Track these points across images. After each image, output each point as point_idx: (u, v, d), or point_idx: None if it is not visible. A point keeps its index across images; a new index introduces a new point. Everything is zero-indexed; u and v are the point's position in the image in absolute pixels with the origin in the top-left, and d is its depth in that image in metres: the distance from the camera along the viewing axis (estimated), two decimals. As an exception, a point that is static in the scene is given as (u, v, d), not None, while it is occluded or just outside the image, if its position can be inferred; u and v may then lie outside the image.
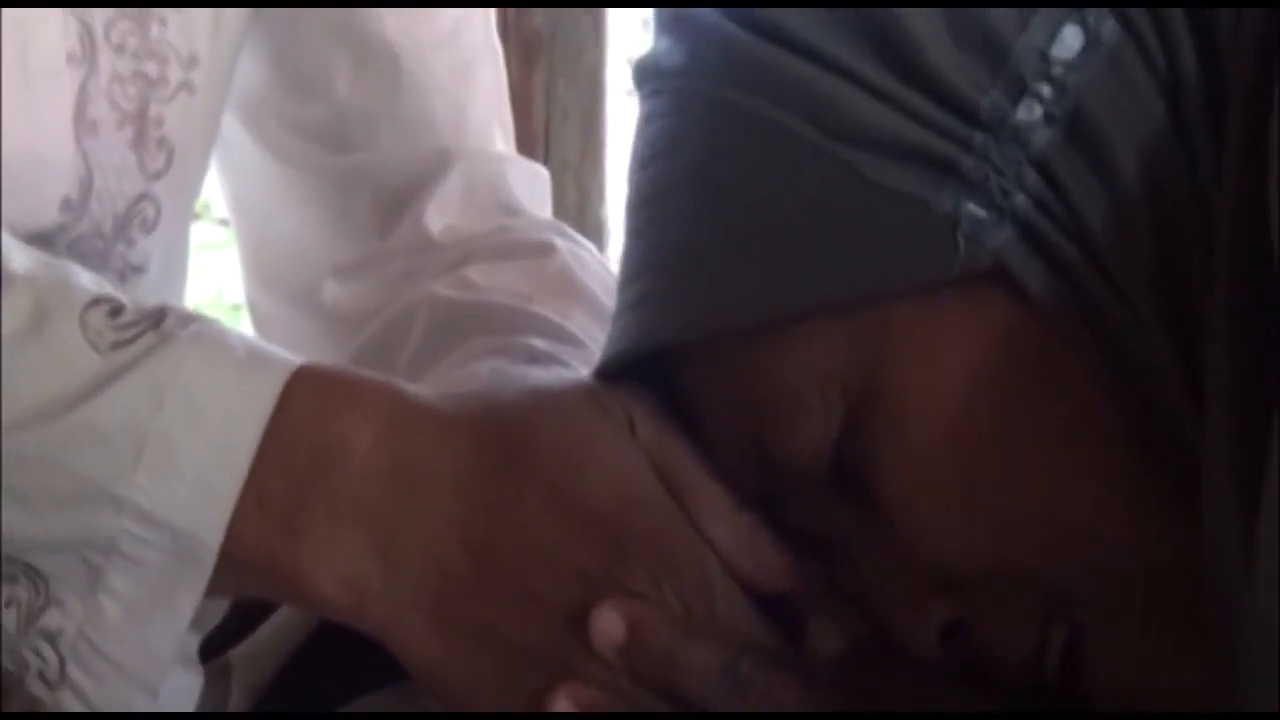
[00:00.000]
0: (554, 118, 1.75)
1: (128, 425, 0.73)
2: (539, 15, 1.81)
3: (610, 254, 1.74)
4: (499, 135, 1.12)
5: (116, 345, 0.75)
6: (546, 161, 1.81)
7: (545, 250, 1.04)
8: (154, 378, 0.74)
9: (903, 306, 0.62)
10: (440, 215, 1.07)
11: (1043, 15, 0.61)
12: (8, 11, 1.01)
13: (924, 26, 0.61)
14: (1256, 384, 0.55)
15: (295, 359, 0.76)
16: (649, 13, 0.76)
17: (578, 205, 1.71)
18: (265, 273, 1.16)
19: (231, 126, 1.13)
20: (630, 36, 2.18)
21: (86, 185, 1.03)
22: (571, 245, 1.05)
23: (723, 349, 0.66)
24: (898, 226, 0.61)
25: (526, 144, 1.79)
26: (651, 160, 0.68)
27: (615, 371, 0.71)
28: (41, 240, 0.99)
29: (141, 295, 1.03)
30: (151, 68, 1.05)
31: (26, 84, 1.00)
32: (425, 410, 0.75)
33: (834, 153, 0.62)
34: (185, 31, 1.05)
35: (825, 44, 0.62)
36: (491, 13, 1.17)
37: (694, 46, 0.67)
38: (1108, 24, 0.61)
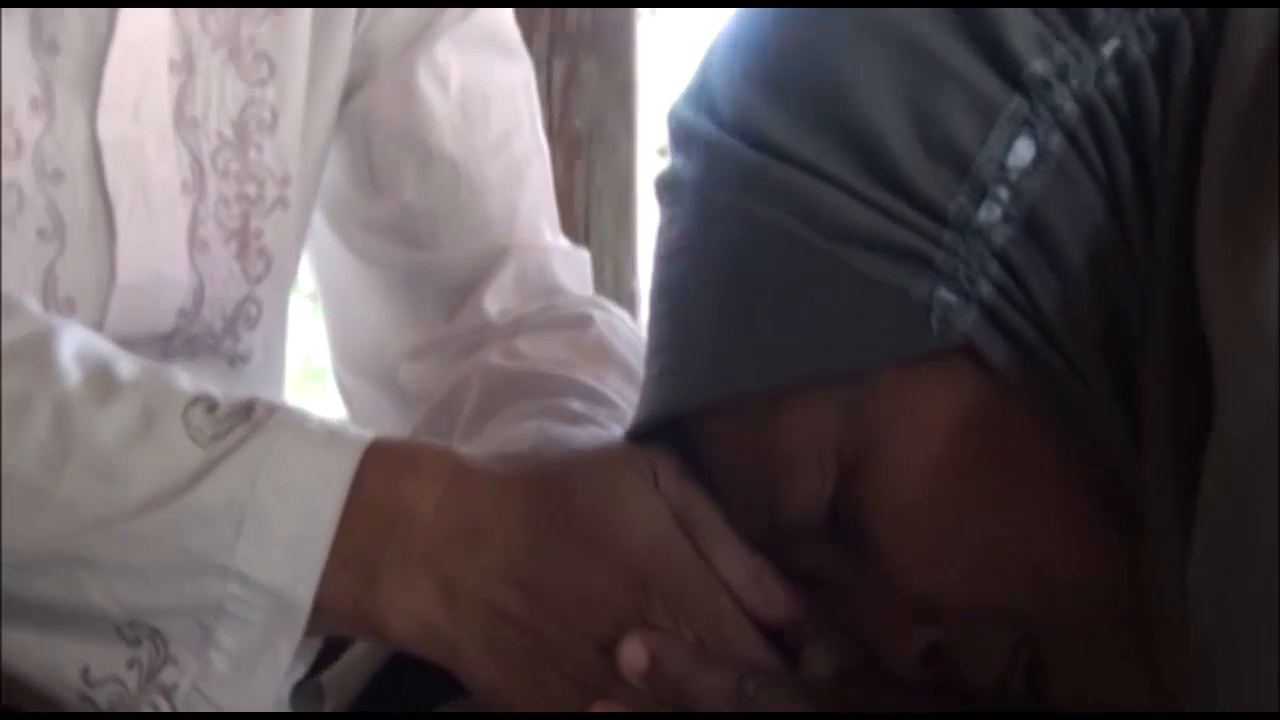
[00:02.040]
0: (592, 203, 1.75)
1: (228, 505, 0.73)
2: (578, 118, 1.81)
3: (641, 319, 1.74)
4: (546, 228, 1.11)
5: (215, 437, 0.74)
6: (586, 240, 1.82)
7: (584, 322, 1.02)
8: (247, 462, 0.73)
9: (887, 379, 0.62)
10: (497, 300, 1.06)
11: (999, 129, 0.60)
12: (130, 147, 0.99)
13: (900, 140, 0.61)
14: (1187, 437, 0.55)
15: (367, 435, 0.75)
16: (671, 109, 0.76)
17: (613, 278, 1.70)
18: (349, 355, 1.15)
19: (318, 224, 1.12)
20: (656, 135, 2.18)
21: (199, 295, 1.02)
22: (607, 316, 1.04)
23: (734, 415, 0.66)
24: (881, 311, 0.61)
25: (569, 226, 1.79)
26: (671, 257, 0.68)
27: (643, 433, 0.71)
28: (160, 340, 1.00)
29: (247, 379, 1.06)
30: (251, 189, 1.04)
31: (148, 213, 0.99)
32: (480, 472, 0.75)
33: (827, 249, 0.61)
34: (279, 154, 1.04)
35: (817, 157, 0.62)
36: (539, 115, 1.14)
37: (704, 162, 0.66)
38: (1055, 137, 0.60)
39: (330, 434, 0.75)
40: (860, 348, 0.61)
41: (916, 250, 0.60)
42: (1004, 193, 0.60)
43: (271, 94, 1.04)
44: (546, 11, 1.83)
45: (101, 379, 0.77)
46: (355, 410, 1.14)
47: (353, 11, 1.07)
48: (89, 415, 0.75)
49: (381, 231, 1.11)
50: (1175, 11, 0.61)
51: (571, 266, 1.10)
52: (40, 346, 0.77)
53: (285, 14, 1.04)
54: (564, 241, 1.12)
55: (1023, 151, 0.60)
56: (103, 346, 0.79)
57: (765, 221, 0.63)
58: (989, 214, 0.60)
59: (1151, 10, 0.61)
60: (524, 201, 1.09)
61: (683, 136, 0.68)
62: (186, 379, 0.78)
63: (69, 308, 0.97)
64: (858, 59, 0.62)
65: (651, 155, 1.95)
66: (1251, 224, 0.54)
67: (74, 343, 0.78)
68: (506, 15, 1.13)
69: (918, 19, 0.62)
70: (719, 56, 0.68)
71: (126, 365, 0.78)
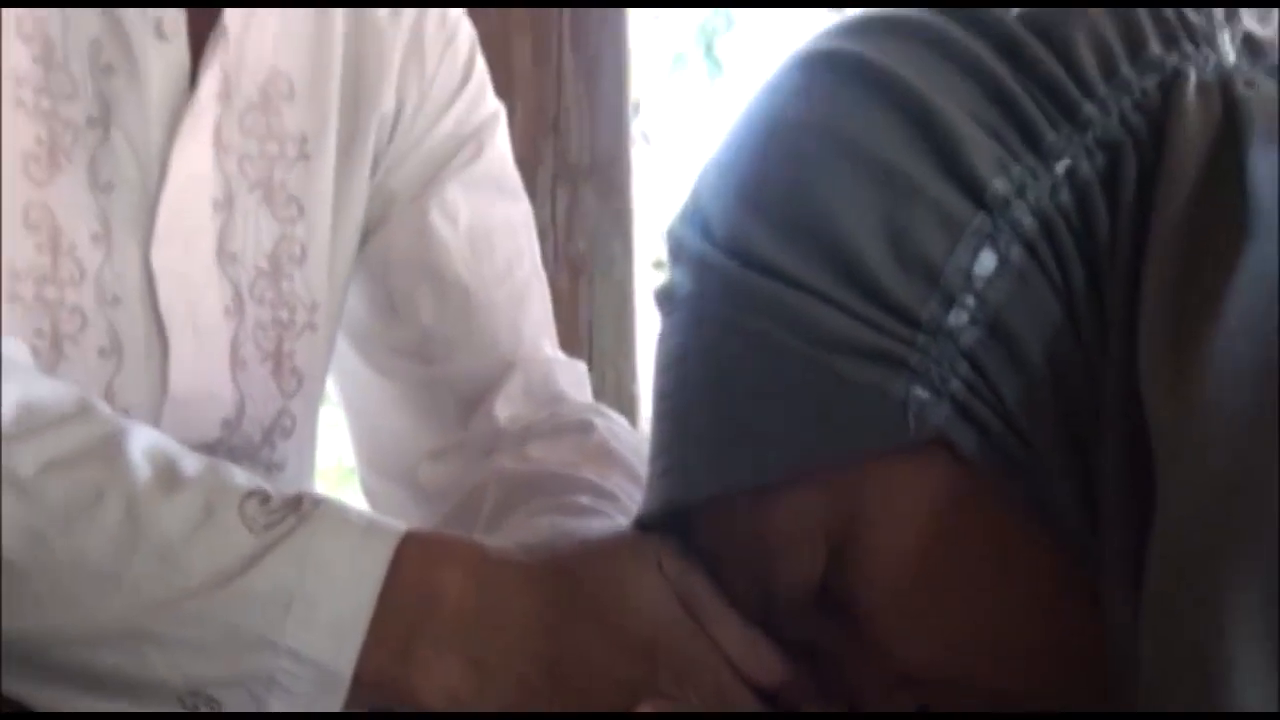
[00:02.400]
0: (595, 318, 1.75)
1: (278, 588, 0.74)
2: (581, 242, 1.82)
3: (641, 422, 1.74)
4: (547, 343, 1.11)
5: (267, 527, 0.76)
6: (589, 351, 1.82)
7: (587, 428, 1.03)
8: (296, 550, 0.75)
9: (870, 470, 0.62)
10: (506, 408, 1.06)
11: (965, 243, 0.61)
12: (179, 277, 1.01)
13: (876, 254, 0.61)
14: (1139, 517, 0.55)
15: (402, 527, 0.76)
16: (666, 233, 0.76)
17: (614, 385, 1.70)
18: (373, 459, 1.15)
19: (343, 346, 1.13)
20: (651, 254, 2.19)
21: (240, 408, 1.03)
22: (608, 422, 1.04)
23: (730, 507, 0.66)
24: (863, 409, 0.61)
25: (574, 338, 1.80)
26: (670, 365, 0.68)
27: (648, 525, 0.71)
28: (205, 449, 1.00)
29: (280, 487, 1.05)
30: (284, 314, 1.05)
31: (196, 335, 1.01)
32: (503, 561, 0.76)
33: (812, 355, 0.61)
34: (308, 284, 1.06)
35: (801, 272, 0.62)
36: (537, 248, 1.16)
37: (698, 277, 0.66)
38: (1015, 248, 0.60)
39: (369, 525, 0.76)
40: (844, 443, 0.61)
41: (893, 353, 0.60)
42: (970, 300, 0.60)
43: (301, 231, 1.05)
44: (551, 146, 1.84)
45: (168, 474, 0.78)
46: (379, 508, 1.13)
47: (369, 161, 1.08)
48: (156, 507, 0.76)
49: (400, 352, 1.11)
50: (1120, 131, 0.61)
51: (571, 376, 1.10)
52: (114, 445, 0.78)
53: (312, 161, 1.05)
54: (562, 355, 1.12)
55: (987, 262, 0.60)
56: (169, 445, 0.81)
57: (754, 331, 0.63)
58: (957, 319, 0.60)
59: (1099, 130, 0.61)
60: (527, 322, 1.10)
61: (679, 253, 0.68)
62: (243, 475, 0.79)
63: (125, 417, 0.95)
64: (835, 181, 0.63)
65: (647, 272, 1.96)
66: (1189, 325, 0.54)
67: (144, 441, 0.79)
68: (508, 159, 1.15)
69: (890, 144, 0.62)
70: (710, 180, 0.68)
71: (190, 461, 0.79)
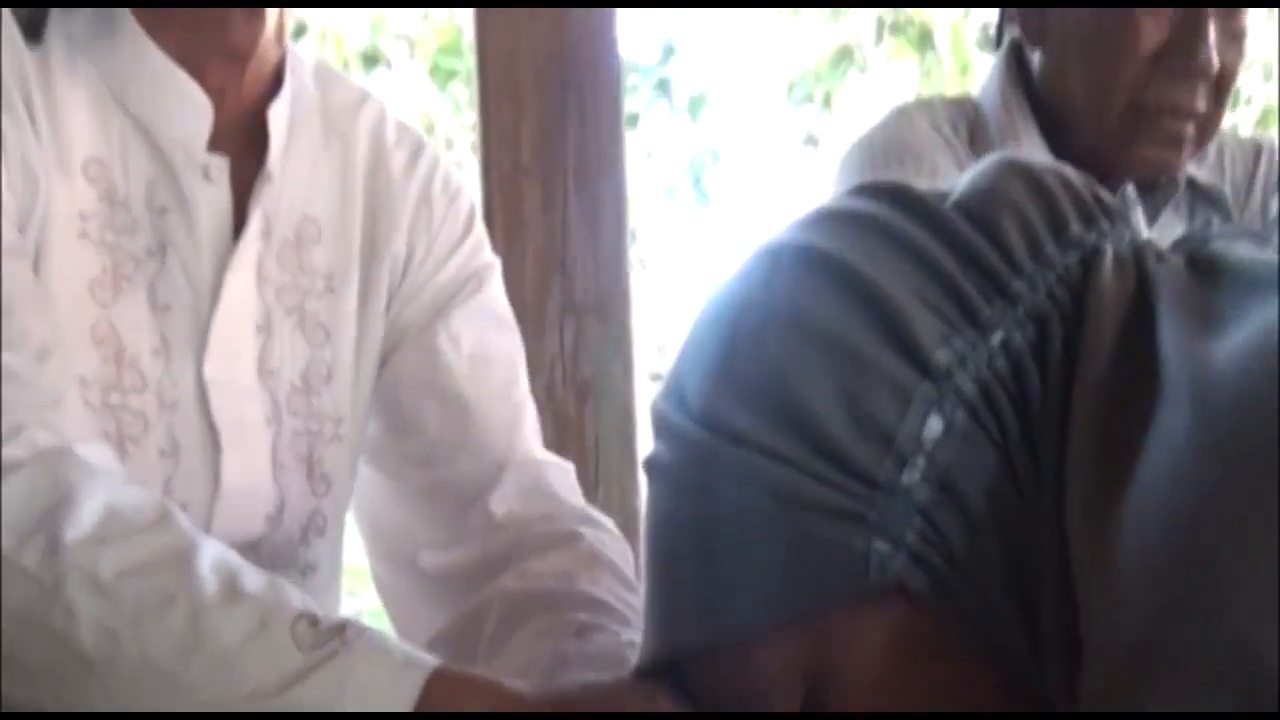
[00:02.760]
0: (600, 437, 1.76)
1: (320, 703, 0.76)
2: (585, 368, 1.83)
3: (642, 534, 1.75)
4: (536, 447, 1.12)
5: (314, 647, 0.78)
6: (596, 468, 1.82)
7: (577, 538, 1.04)
8: (339, 672, 0.77)
9: (838, 614, 0.63)
10: (501, 505, 1.07)
11: (914, 410, 0.61)
12: (228, 387, 1.03)
13: (836, 424, 0.62)
14: (1074, 648, 0.56)
15: (434, 661, 0.78)
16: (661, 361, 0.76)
17: (619, 498, 1.71)
18: (380, 550, 1.16)
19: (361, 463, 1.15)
20: (647, 384, 2.20)
21: (281, 505, 1.06)
22: (596, 531, 1.05)
23: (717, 654, 0.66)
24: (831, 562, 0.62)
25: (581, 456, 1.78)
26: (657, 528, 0.69)
27: (646, 671, 0.72)
28: (252, 545, 1.03)
29: (314, 588, 1.07)
30: (314, 425, 1.08)
31: (243, 439, 1.04)
32: (517, 697, 0.78)
33: (783, 516, 0.62)
34: (334, 400, 1.09)
35: (770, 441, 0.63)
36: (526, 375, 1.17)
37: (679, 448, 0.67)
38: (959, 413, 0.61)
39: (405, 658, 0.78)
40: (816, 593, 0.62)
41: (855, 511, 0.61)
42: (921, 460, 0.61)
43: (328, 355, 1.08)
44: (558, 283, 1.85)
45: (231, 588, 0.80)
46: (386, 595, 1.15)
47: (385, 296, 1.11)
48: (217, 617, 0.79)
49: (408, 459, 1.13)
50: (1047, 305, 0.63)
51: (560, 476, 1.11)
52: (186, 557, 0.81)
53: (337, 295, 1.09)
54: (553, 457, 1.14)
55: (934, 426, 0.61)
56: (234, 559, 0.83)
57: (731, 497, 0.64)
58: (910, 478, 0.61)
59: (1028, 304, 0.63)
60: (519, 433, 1.11)
61: (661, 427, 0.69)
62: (297, 595, 0.82)
63: (183, 510, 0.97)
64: (797, 360, 0.64)
65: (646, 391, 1.96)
66: (1107, 484, 0.56)
67: (212, 555, 0.82)
68: (504, 301, 1.18)
69: (845, 324, 0.63)
70: (687, 360, 0.69)
71: (251, 576, 0.82)
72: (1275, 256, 0.64)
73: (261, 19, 1.03)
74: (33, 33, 0.98)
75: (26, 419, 0.85)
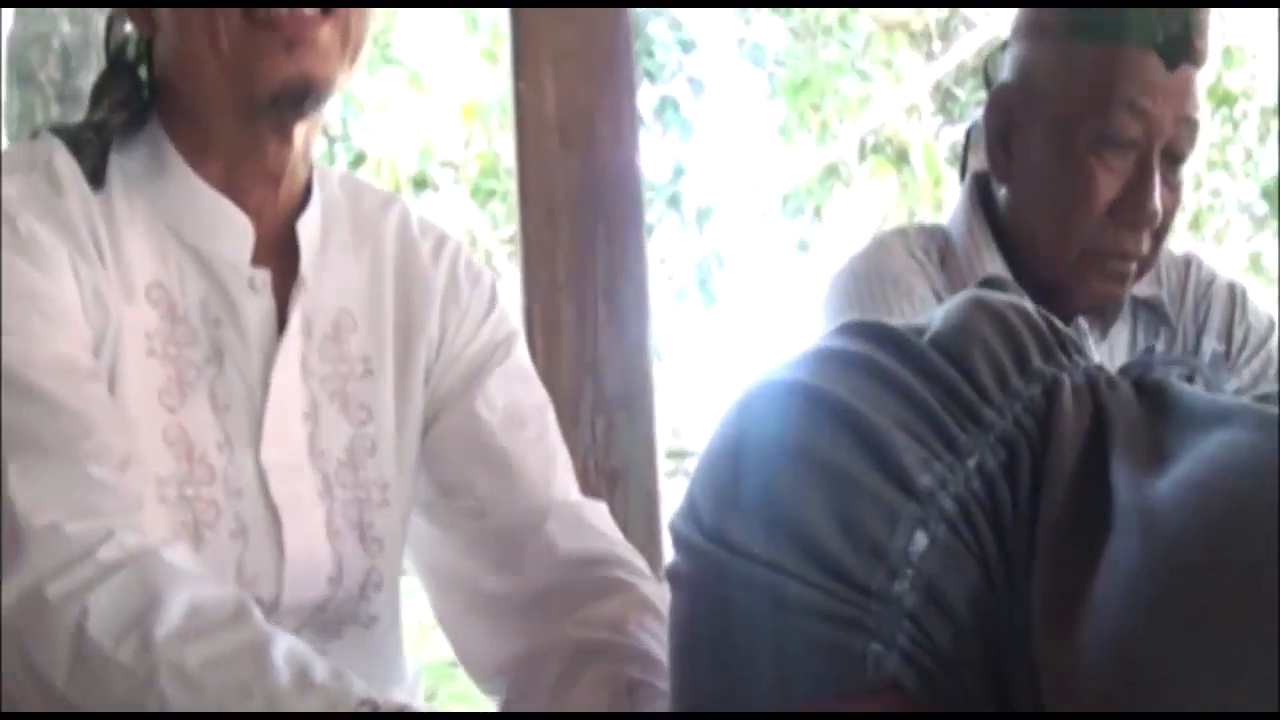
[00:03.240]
0: (628, 522, 1.76)
1: None
2: (614, 459, 1.84)
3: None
4: (572, 488, 1.13)
5: None
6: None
7: (628, 587, 1.03)
8: None
9: (839, 706, 0.63)
10: (552, 541, 1.07)
11: (902, 527, 0.61)
12: (284, 470, 1.04)
13: (834, 541, 0.61)
14: None
15: None
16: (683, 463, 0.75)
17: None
18: (439, 587, 1.15)
19: (413, 517, 1.15)
20: (665, 462, 2.20)
21: (339, 567, 1.07)
22: (642, 580, 1.05)
23: None
24: (832, 663, 0.62)
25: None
26: (677, 631, 0.68)
27: None
28: (320, 606, 1.05)
29: (378, 638, 1.10)
30: (362, 494, 1.09)
31: (300, 514, 1.05)
32: None
33: (788, 622, 0.62)
34: (379, 469, 1.09)
35: (775, 557, 0.62)
36: (557, 426, 1.16)
37: (694, 563, 0.66)
38: (941, 528, 0.61)
39: None
40: (819, 689, 0.62)
41: (852, 618, 0.61)
42: (909, 572, 0.61)
43: (371, 430, 1.09)
44: (590, 383, 1.87)
45: (302, 678, 0.81)
46: (448, 625, 1.14)
47: (421, 372, 1.12)
48: (290, 704, 0.80)
49: (461, 513, 1.12)
50: (1015, 431, 0.62)
51: (598, 515, 1.11)
52: (262, 649, 0.82)
53: (375, 376, 1.10)
54: (587, 499, 1.13)
55: (920, 541, 0.61)
56: (303, 651, 0.84)
57: (740, 606, 0.63)
58: (900, 587, 0.61)
59: (998, 431, 0.62)
60: (555, 476, 1.12)
61: (679, 542, 0.68)
62: (360, 685, 0.83)
63: (254, 583, 1.02)
64: (797, 484, 0.63)
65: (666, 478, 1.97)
66: (1067, 599, 0.56)
67: (284, 647, 0.83)
68: (529, 363, 1.18)
69: (840, 453, 0.63)
70: (700, 484, 0.68)
71: (319, 668, 0.82)
72: (1208, 391, 0.64)
73: (291, 143, 1.05)
74: (96, 179, 1.01)
75: (116, 524, 0.86)
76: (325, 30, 0.99)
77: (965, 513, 0.61)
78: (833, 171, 6.24)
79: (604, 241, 1.92)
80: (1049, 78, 1.35)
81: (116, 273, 1.00)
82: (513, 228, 5.07)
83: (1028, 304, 0.69)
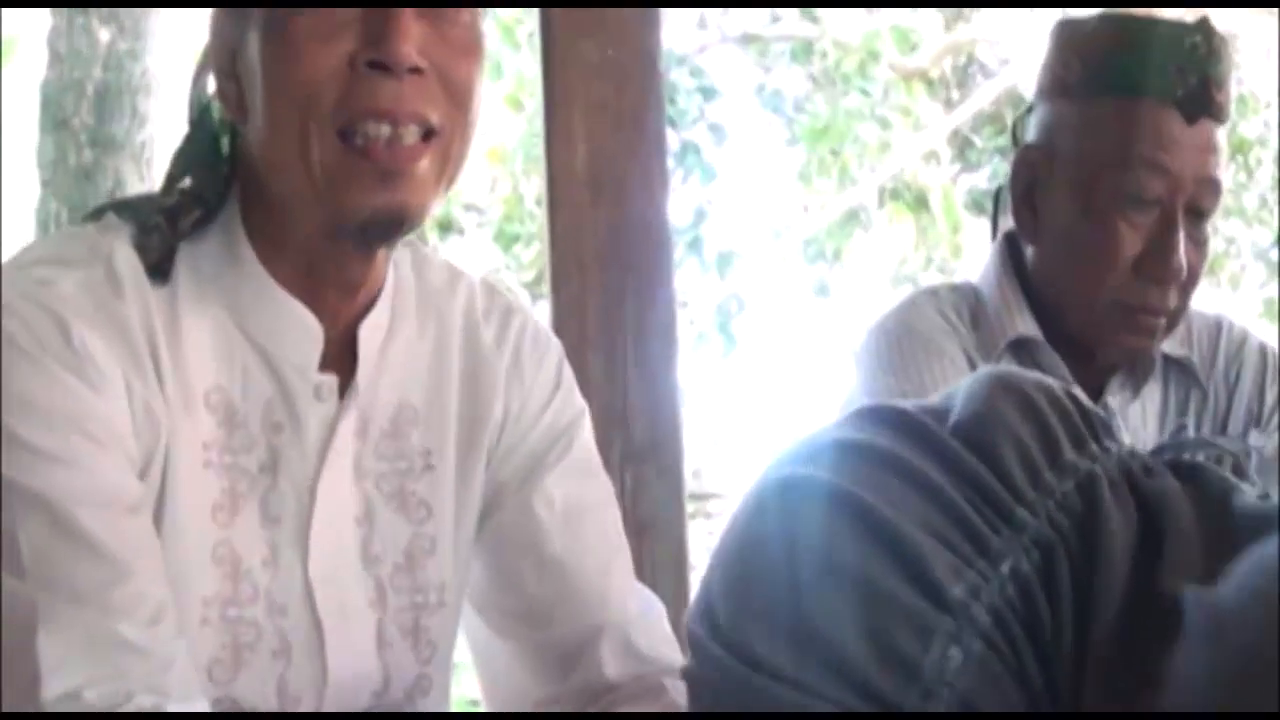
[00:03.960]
0: (657, 572, 1.77)
1: None
2: (642, 510, 1.84)
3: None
4: (630, 596, 1.09)
5: None
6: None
7: (662, 690, 1.03)
8: None
9: None
10: (601, 667, 1.05)
11: (936, 644, 0.58)
12: (332, 582, 0.99)
13: (863, 657, 0.58)
14: None
15: None
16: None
17: (674, 624, 1.69)
18: (495, 697, 1.14)
19: (467, 609, 1.12)
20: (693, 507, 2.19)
21: (386, 680, 1.03)
22: (675, 682, 1.02)
23: None
24: None
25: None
26: None
27: None
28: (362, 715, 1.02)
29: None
30: (419, 597, 1.04)
31: (347, 628, 1.01)
32: None
33: None
34: (438, 569, 1.05)
35: (799, 674, 0.59)
36: (619, 518, 1.13)
37: (710, 671, 0.63)
38: (975, 643, 0.58)
39: None
40: None
41: None
42: (944, 690, 0.58)
43: (430, 528, 1.04)
44: (619, 436, 1.87)
45: None
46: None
47: (484, 462, 1.07)
48: None
49: (510, 614, 1.10)
50: (1050, 532, 0.59)
51: (651, 631, 1.08)
52: None
53: (436, 470, 1.04)
54: (643, 601, 1.10)
55: (955, 657, 0.58)
56: None
57: None
58: (935, 705, 0.58)
59: (1032, 531, 0.59)
60: (612, 586, 1.09)
61: (695, 646, 0.64)
62: None
63: (297, 703, 0.99)
64: (825, 597, 0.60)
65: (695, 533, 1.96)
66: (1128, 703, 0.54)
67: None
68: (592, 447, 1.13)
69: (866, 562, 0.60)
70: (715, 585, 0.64)
71: None
72: (1237, 476, 0.62)
73: (374, 259, 1.00)
74: (161, 272, 0.95)
75: (136, 687, 0.84)
76: (424, 161, 0.92)
77: (1001, 624, 0.58)
78: (852, 216, 6.26)
79: (633, 294, 1.93)
80: (1070, 137, 1.36)
81: (175, 381, 0.94)
82: (536, 270, 5.09)
83: (1052, 381, 0.66)
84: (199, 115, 1.01)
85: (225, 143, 1.00)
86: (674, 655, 1.07)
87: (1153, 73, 1.32)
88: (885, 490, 0.61)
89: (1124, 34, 1.34)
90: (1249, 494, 0.62)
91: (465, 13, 0.93)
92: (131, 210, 0.98)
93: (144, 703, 0.83)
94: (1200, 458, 0.64)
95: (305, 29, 0.89)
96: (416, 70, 0.90)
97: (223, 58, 0.96)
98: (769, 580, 0.62)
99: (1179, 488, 0.61)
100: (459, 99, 0.93)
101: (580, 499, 1.09)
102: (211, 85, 1.00)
